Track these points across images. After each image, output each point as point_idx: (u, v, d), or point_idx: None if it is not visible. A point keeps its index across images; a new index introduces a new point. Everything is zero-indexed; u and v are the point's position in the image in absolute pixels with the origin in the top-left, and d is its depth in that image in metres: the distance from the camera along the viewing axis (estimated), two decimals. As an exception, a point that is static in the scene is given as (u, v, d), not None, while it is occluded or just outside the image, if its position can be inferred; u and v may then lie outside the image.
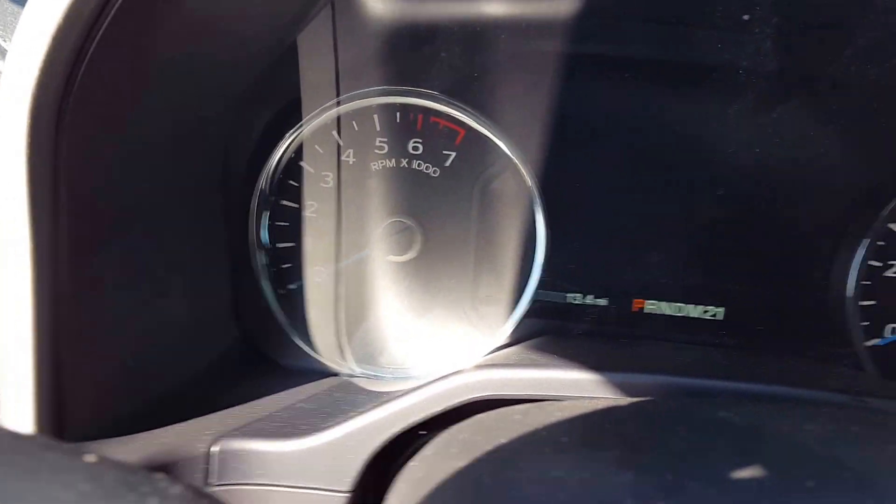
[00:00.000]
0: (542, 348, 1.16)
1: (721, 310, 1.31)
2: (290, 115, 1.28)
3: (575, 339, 1.29)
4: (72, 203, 0.80)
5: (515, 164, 1.26)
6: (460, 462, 0.70)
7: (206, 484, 0.88)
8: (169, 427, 0.92)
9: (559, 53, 1.23)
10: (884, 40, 1.15)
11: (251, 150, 1.28)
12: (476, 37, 1.22)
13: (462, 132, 1.28)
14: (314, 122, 1.27)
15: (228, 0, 0.96)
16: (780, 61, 1.16)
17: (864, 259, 1.26)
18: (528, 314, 1.31)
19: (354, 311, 1.32)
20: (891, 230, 1.27)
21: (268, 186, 1.30)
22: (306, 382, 1.22)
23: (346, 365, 1.30)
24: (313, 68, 1.23)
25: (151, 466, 0.81)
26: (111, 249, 0.90)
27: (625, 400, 0.89)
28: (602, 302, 1.32)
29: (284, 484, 0.88)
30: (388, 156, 1.29)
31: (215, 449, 0.88)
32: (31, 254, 0.76)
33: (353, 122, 1.29)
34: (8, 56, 0.73)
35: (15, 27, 0.72)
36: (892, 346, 1.28)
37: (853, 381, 1.13)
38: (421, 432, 0.90)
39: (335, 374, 1.29)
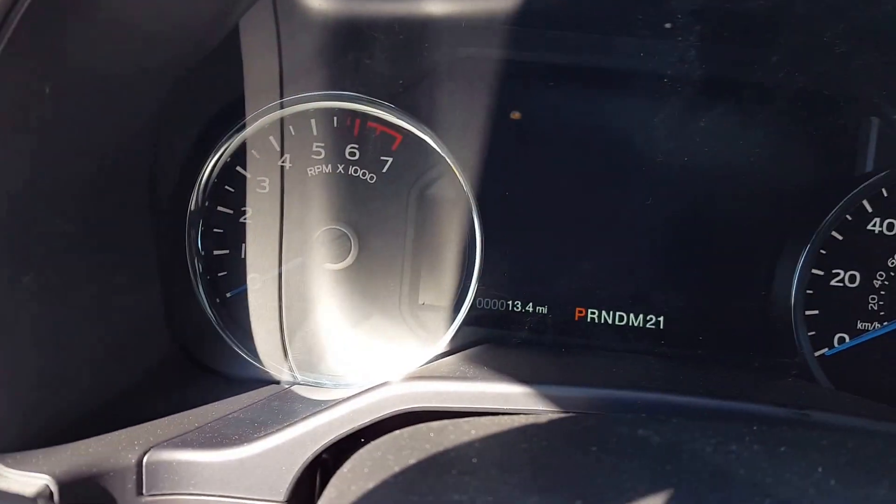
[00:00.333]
0: (479, 358, 1.15)
1: (662, 319, 1.32)
2: (226, 118, 1.26)
3: (514, 349, 1.29)
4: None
5: (452, 170, 1.27)
6: (369, 483, 0.70)
7: (139, 494, 0.87)
8: (99, 437, 0.90)
9: (493, 59, 1.25)
10: (809, 47, 1.18)
11: (184, 154, 1.26)
12: (413, 41, 1.23)
13: (399, 137, 1.29)
14: (254, 125, 1.26)
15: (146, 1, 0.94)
16: (704, 69, 1.19)
17: (807, 267, 1.25)
18: (469, 322, 1.31)
19: (293, 319, 1.31)
20: (834, 238, 1.27)
21: (202, 192, 1.28)
22: (247, 391, 1.20)
23: (286, 372, 1.29)
24: (256, 69, 1.23)
25: (78, 477, 0.81)
26: (32, 259, 0.88)
27: (544, 417, 0.87)
28: (543, 310, 1.33)
29: (217, 494, 0.87)
30: (325, 161, 1.29)
31: (146, 459, 0.87)
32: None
33: (291, 127, 1.28)
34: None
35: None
36: (842, 355, 1.28)
37: (797, 393, 1.10)
38: (361, 439, 0.90)
39: (276, 382, 1.28)
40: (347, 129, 1.29)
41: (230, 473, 0.87)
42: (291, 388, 1.25)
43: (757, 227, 1.30)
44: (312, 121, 1.28)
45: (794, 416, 0.88)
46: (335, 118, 1.28)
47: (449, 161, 1.27)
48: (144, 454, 0.87)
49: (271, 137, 1.28)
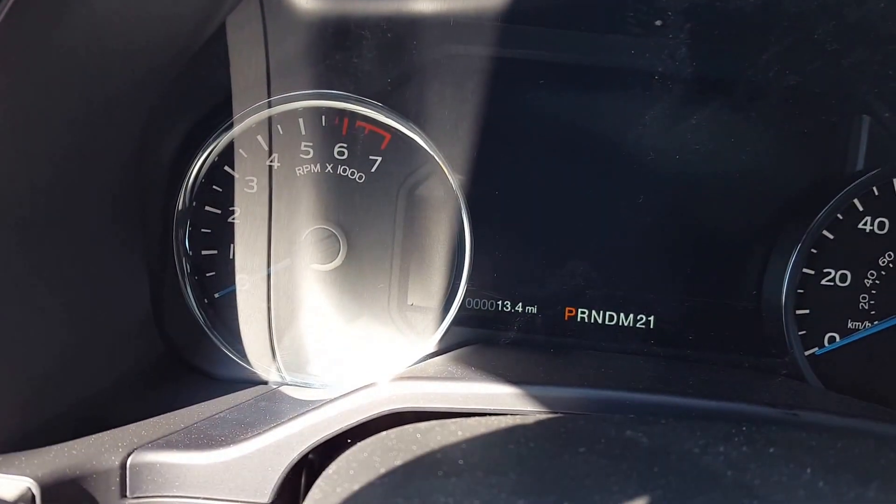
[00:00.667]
0: (467, 358, 1.14)
1: (652, 318, 1.31)
2: (215, 117, 1.25)
3: (503, 349, 1.28)
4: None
5: (441, 169, 1.27)
6: (354, 485, 0.69)
7: (123, 496, 0.86)
8: (83, 439, 0.89)
9: (482, 57, 1.24)
10: (799, 45, 1.18)
11: (171, 154, 1.25)
12: (401, 39, 1.23)
13: (388, 137, 1.28)
14: (241, 125, 1.25)
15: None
16: (695, 67, 1.19)
17: (798, 267, 1.25)
18: (458, 322, 1.30)
19: (282, 319, 1.30)
20: (825, 237, 1.26)
21: (189, 192, 1.27)
22: (235, 391, 1.20)
23: (274, 373, 1.28)
24: (243, 68, 1.22)
25: (61, 480, 0.80)
26: (14, 257, 0.87)
27: (532, 418, 0.86)
28: (532, 310, 1.32)
29: (201, 496, 0.86)
30: (314, 161, 1.28)
31: (130, 461, 0.86)
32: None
33: (279, 126, 1.27)
34: None
35: None
36: (832, 354, 1.27)
37: (787, 393, 1.09)
38: (348, 440, 0.89)
39: (264, 383, 1.28)
40: (336, 128, 1.28)
41: (214, 475, 0.86)
42: (279, 388, 1.25)
43: (747, 225, 1.30)
44: (300, 120, 1.28)
45: (783, 417, 0.88)
46: (323, 117, 1.28)
47: (438, 160, 1.26)
48: (128, 456, 0.86)
49: (259, 137, 1.27)
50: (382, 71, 1.26)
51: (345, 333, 1.30)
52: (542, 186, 1.30)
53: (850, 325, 1.27)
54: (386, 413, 0.87)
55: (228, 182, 1.28)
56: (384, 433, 0.83)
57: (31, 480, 0.78)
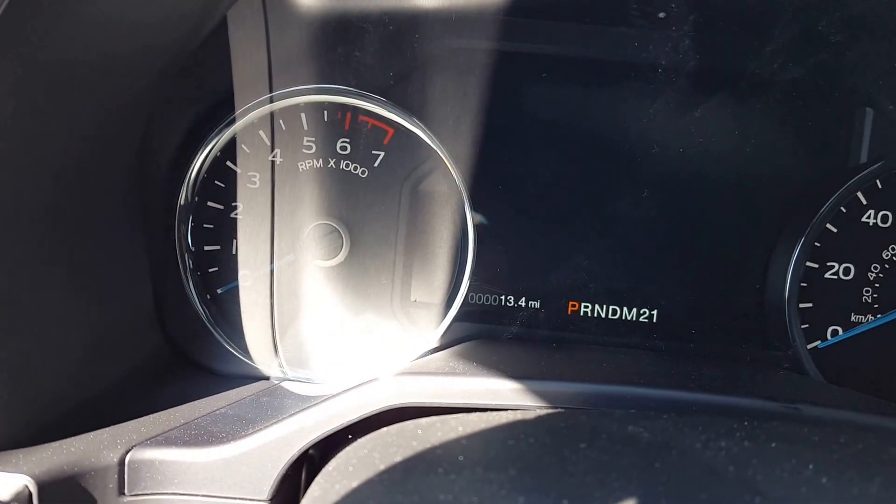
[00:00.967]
0: (470, 353, 1.13)
1: (655, 312, 1.31)
2: (216, 112, 1.25)
3: (506, 344, 1.28)
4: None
5: (444, 164, 1.26)
6: (353, 482, 0.68)
7: (121, 493, 0.86)
8: (81, 436, 0.89)
9: (485, 51, 1.24)
10: (803, 38, 1.17)
11: (174, 148, 1.25)
12: (404, 33, 1.22)
13: (391, 131, 1.28)
14: (243, 120, 1.25)
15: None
16: (699, 60, 1.18)
17: (801, 260, 1.25)
18: (461, 317, 1.30)
19: (284, 315, 1.30)
20: (829, 230, 1.26)
21: (192, 187, 1.27)
22: (237, 387, 1.20)
23: (276, 369, 1.28)
24: (244, 63, 1.21)
25: (58, 477, 0.80)
26: (18, 254, 0.87)
27: (533, 413, 0.85)
28: (535, 304, 1.32)
29: (200, 493, 0.86)
30: (316, 155, 1.28)
31: (129, 458, 0.86)
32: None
33: (281, 121, 1.27)
34: None
35: None
36: (834, 348, 1.27)
37: (789, 387, 1.10)
38: (349, 436, 0.89)
39: (266, 379, 1.28)
40: (338, 122, 1.28)
41: (213, 472, 0.86)
42: (281, 384, 1.25)
43: (751, 219, 1.29)
44: (303, 115, 1.27)
45: (785, 411, 0.87)
46: (326, 112, 1.27)
47: (441, 154, 1.26)
48: (127, 453, 0.86)
49: (261, 132, 1.27)
50: (385, 65, 1.25)
51: (347, 329, 1.30)
52: (545, 181, 1.30)
53: (853, 318, 1.26)
54: (389, 408, 0.87)
55: (231, 177, 1.28)
56: (384, 429, 0.82)
57: (28, 478, 0.78)
